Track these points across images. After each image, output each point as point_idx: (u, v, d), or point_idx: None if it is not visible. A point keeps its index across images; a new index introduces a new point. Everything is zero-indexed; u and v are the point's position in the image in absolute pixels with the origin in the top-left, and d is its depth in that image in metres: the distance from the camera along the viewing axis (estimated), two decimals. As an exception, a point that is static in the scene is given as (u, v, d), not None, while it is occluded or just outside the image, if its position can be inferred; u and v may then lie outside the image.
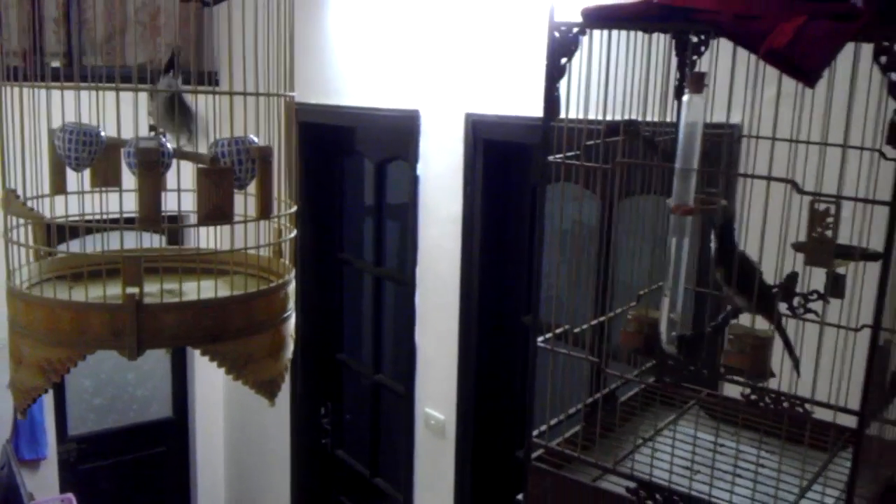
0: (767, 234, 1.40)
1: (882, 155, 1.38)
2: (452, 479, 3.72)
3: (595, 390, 1.63)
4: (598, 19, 1.36)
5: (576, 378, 1.59)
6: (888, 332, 1.34)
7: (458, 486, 3.71)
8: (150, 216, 1.90)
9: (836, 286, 1.47)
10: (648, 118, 1.58)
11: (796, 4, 1.13)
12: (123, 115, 1.94)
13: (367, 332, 4.76)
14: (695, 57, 1.60)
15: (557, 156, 1.45)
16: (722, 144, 1.69)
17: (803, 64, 1.08)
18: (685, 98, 1.33)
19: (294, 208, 2.25)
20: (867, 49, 1.19)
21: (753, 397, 1.36)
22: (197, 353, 2.06)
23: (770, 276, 1.54)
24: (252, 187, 2.11)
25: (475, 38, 3.36)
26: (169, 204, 2.24)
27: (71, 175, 2.24)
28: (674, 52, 1.60)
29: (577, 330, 1.57)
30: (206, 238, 2.51)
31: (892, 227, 1.14)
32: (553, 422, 1.55)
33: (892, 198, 1.14)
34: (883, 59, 1.08)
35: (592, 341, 1.59)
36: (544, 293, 1.58)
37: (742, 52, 1.35)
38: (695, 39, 1.59)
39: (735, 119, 1.59)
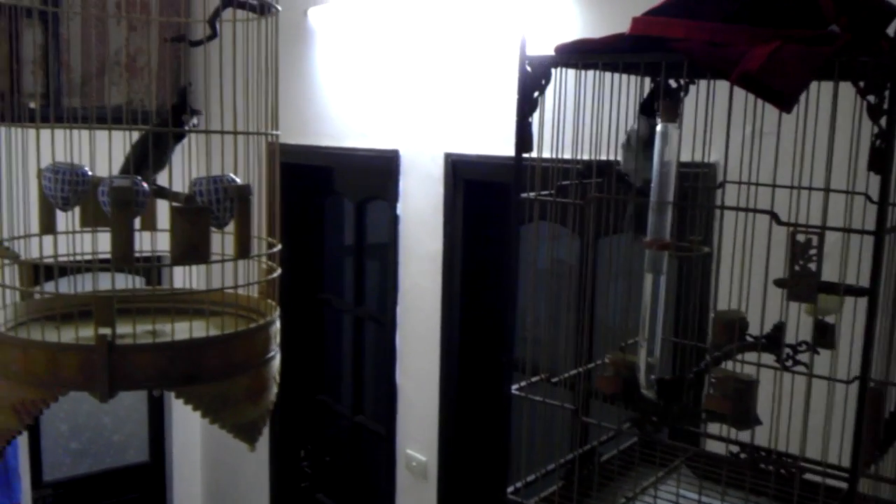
0: (749, 274, 1.35)
1: (868, 198, 1.33)
2: (434, 522, 3.66)
3: (575, 439, 1.57)
4: (571, 53, 1.33)
5: (555, 423, 1.53)
6: (877, 380, 1.29)
7: (440, 529, 3.64)
8: (124, 256, 1.88)
9: (825, 336, 1.41)
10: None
11: (769, 30, 1.10)
12: (104, 154, 1.94)
13: (348, 372, 4.71)
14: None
15: (531, 193, 1.41)
16: (699, 185, 1.65)
17: (777, 86, 1.04)
18: (658, 128, 1.29)
19: (278, 247, 2.22)
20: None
21: (743, 455, 1.29)
22: (174, 396, 2.02)
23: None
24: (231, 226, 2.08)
25: (455, 78, 3.36)
26: (148, 244, 2.21)
27: (63, 216, 2.20)
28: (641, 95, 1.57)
29: (554, 380, 1.51)
30: (184, 280, 2.46)
31: (877, 260, 1.09)
32: (530, 478, 1.48)
33: (876, 227, 1.10)
34: (861, 82, 1.04)
35: (574, 385, 1.53)
36: (524, 333, 1.52)
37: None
38: (675, 84, 1.56)
39: (712, 158, 1.55)
